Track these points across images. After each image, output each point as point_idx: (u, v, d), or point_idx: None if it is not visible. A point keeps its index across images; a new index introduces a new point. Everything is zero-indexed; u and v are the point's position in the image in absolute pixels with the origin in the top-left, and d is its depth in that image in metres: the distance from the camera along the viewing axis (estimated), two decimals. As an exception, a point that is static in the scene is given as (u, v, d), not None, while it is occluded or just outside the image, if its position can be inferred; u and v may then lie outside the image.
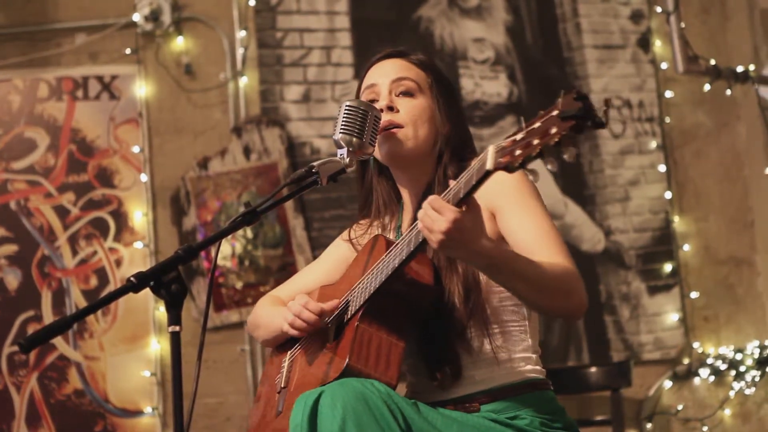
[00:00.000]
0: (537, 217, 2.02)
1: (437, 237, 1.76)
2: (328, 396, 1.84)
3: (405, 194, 2.25)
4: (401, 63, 2.23)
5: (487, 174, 1.67)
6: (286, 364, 2.23)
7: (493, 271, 1.86)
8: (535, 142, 1.55)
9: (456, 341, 2.04)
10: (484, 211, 2.05)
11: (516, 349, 2.07)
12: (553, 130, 1.52)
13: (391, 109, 2.16)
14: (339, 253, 2.36)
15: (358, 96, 2.26)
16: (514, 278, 1.86)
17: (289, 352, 2.25)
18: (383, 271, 1.97)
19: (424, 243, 1.84)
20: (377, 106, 2.16)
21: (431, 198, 1.78)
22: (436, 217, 1.76)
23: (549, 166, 1.54)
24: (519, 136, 1.59)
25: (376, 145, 2.15)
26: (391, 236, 2.26)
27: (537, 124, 1.56)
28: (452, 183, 1.80)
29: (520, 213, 2.02)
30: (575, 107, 1.49)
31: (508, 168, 1.61)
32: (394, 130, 2.14)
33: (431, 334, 2.05)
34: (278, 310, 2.24)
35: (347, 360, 1.92)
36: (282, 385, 2.19)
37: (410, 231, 1.90)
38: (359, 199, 2.34)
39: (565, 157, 1.52)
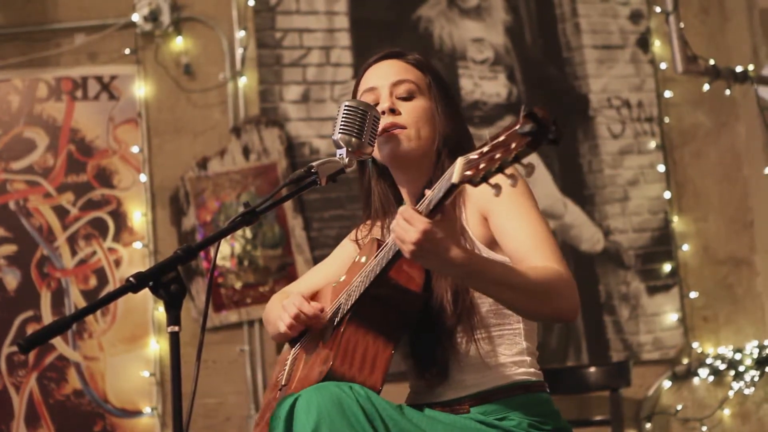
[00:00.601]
0: (530, 221, 2.02)
1: (409, 247, 1.76)
2: (303, 401, 1.84)
3: (405, 194, 2.25)
4: (400, 64, 2.24)
5: (454, 187, 1.68)
6: (288, 361, 2.24)
7: (471, 280, 1.85)
8: (497, 156, 1.56)
9: (444, 345, 2.04)
10: (476, 215, 2.06)
11: (508, 354, 2.06)
12: (513, 145, 1.53)
13: (392, 111, 2.16)
14: (346, 254, 2.37)
15: (355, 98, 2.26)
16: (494, 286, 1.85)
17: (293, 350, 2.26)
18: (369, 276, 1.97)
19: (400, 252, 1.84)
20: (378, 108, 2.16)
21: (402, 208, 1.79)
22: (407, 227, 1.76)
23: (510, 182, 1.55)
24: (485, 149, 1.60)
25: (377, 146, 2.15)
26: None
27: (501, 138, 1.57)
28: (428, 192, 1.80)
29: (512, 216, 2.01)
30: (529, 125, 1.50)
31: (471, 182, 1.61)
32: (397, 131, 2.14)
33: (421, 337, 2.05)
34: (279, 308, 2.25)
35: (331, 363, 1.93)
36: (283, 383, 2.19)
37: (392, 238, 1.91)
38: (362, 200, 2.35)
39: (524, 173, 1.53)
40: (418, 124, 2.16)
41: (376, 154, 2.20)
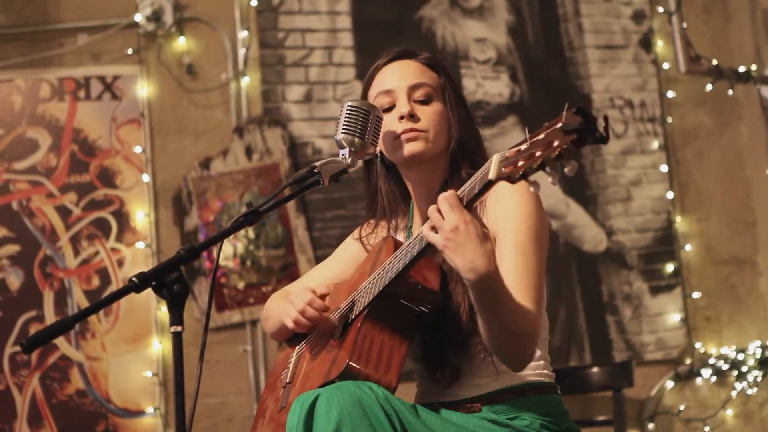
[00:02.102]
0: (526, 254, 1.98)
1: (445, 234, 1.75)
2: (324, 399, 1.84)
3: (415, 195, 2.24)
4: (415, 66, 2.21)
5: (490, 183, 1.68)
6: (293, 360, 2.24)
7: (481, 288, 1.81)
8: (537, 153, 1.55)
9: (458, 350, 2.04)
10: (491, 234, 2.06)
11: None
12: (555, 143, 1.52)
13: (412, 117, 2.14)
14: (350, 252, 2.36)
15: (365, 98, 2.23)
16: (495, 305, 1.83)
17: (296, 348, 2.26)
18: (388, 273, 1.97)
19: (428, 248, 1.84)
20: (396, 113, 2.15)
21: (446, 194, 1.77)
22: (449, 213, 1.75)
23: (550, 179, 1.54)
24: (523, 147, 1.59)
25: (392, 146, 2.15)
26: (400, 236, 2.25)
27: (540, 136, 1.56)
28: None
29: (511, 247, 1.98)
30: (576, 121, 1.49)
31: (510, 178, 1.61)
32: (416, 134, 2.13)
33: (435, 341, 2.05)
34: (285, 303, 2.24)
35: (347, 360, 1.92)
36: (287, 381, 2.19)
37: (417, 235, 1.89)
38: (365, 199, 2.33)
39: (566, 170, 1.52)
40: (436, 128, 2.15)
41: (389, 153, 2.19)
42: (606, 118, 1.50)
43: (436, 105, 2.18)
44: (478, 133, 2.25)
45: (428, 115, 2.16)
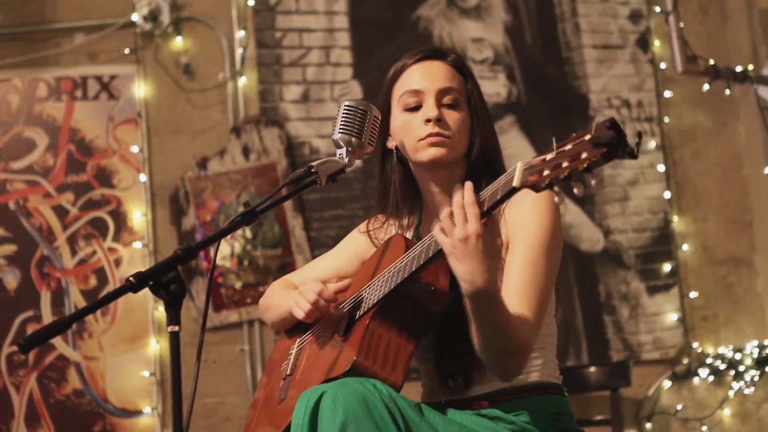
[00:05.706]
0: (536, 267, 1.98)
1: (455, 241, 1.74)
2: (329, 398, 1.84)
3: (427, 195, 2.23)
4: (445, 68, 2.19)
5: (513, 190, 1.68)
6: (293, 351, 2.23)
7: (479, 300, 1.81)
8: (564, 164, 1.54)
9: (471, 355, 2.03)
10: (504, 237, 2.05)
11: (531, 364, 2.06)
12: (584, 155, 1.52)
13: (439, 121, 2.13)
14: (355, 246, 2.35)
15: (388, 95, 2.22)
16: (489, 318, 1.83)
17: (298, 339, 2.25)
18: (400, 272, 1.96)
19: (442, 250, 1.83)
20: (423, 115, 2.13)
21: (464, 200, 1.76)
22: (461, 220, 1.74)
23: (575, 190, 1.54)
24: (549, 157, 1.59)
25: (413, 147, 2.14)
26: (408, 234, 2.25)
27: (568, 147, 1.55)
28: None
29: (523, 256, 1.98)
30: (608, 135, 1.48)
31: (535, 187, 1.61)
32: (442, 139, 2.12)
33: (446, 345, 2.05)
34: (290, 293, 2.24)
35: (355, 357, 1.92)
36: (288, 372, 2.19)
37: (431, 236, 1.89)
38: (377, 192, 2.31)
39: (593, 183, 1.52)
40: (460, 135, 2.15)
41: (408, 153, 2.18)
42: (640, 135, 1.51)
43: (462, 111, 2.16)
44: (498, 141, 2.24)
45: (454, 120, 2.14)
